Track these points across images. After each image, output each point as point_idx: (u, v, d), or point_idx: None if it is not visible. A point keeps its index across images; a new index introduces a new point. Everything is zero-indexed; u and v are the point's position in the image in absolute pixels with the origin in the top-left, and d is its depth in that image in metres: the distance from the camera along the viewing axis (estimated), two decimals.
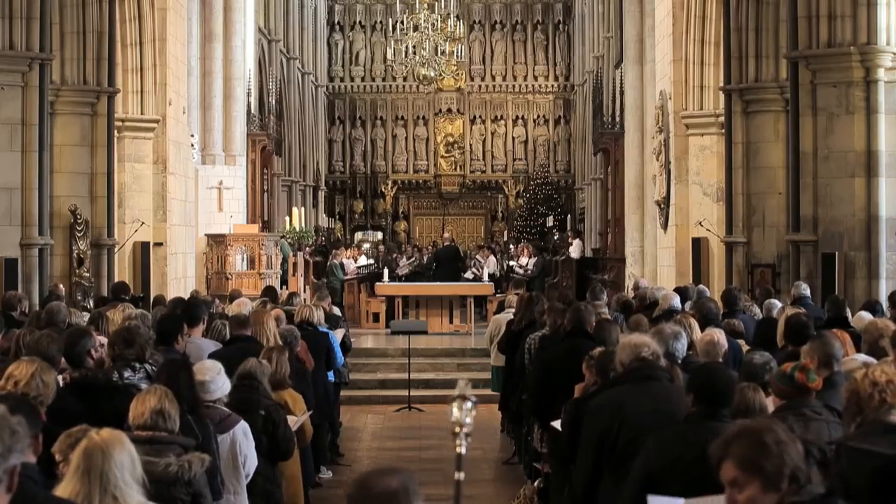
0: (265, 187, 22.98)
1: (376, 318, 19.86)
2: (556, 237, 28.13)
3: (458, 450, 3.18)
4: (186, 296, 11.90)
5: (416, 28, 25.19)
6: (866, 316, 8.20)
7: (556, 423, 6.52)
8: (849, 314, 8.87)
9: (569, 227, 28.29)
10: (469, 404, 3.21)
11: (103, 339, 6.45)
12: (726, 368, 5.44)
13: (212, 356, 6.99)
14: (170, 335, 7.03)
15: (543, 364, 7.58)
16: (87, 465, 3.57)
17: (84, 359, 5.90)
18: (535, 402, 7.67)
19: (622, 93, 21.29)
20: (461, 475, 3.08)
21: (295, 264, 20.10)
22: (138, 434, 4.57)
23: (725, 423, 4.36)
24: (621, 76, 21.70)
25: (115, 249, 14.37)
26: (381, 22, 34.42)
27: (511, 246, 26.96)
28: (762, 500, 2.93)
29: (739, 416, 4.45)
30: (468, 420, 3.22)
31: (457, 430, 3.16)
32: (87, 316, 8.75)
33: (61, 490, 3.58)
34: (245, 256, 17.80)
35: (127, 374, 5.64)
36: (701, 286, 12.12)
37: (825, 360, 5.36)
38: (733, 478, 2.94)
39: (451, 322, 19.35)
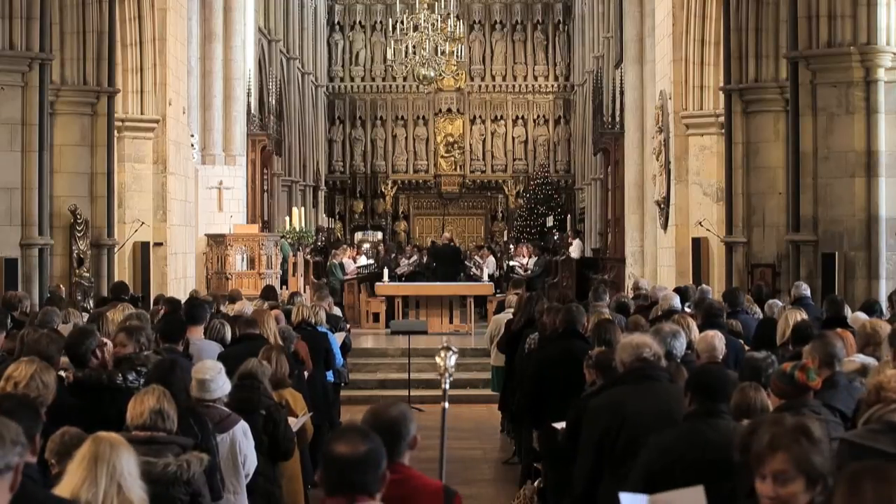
0: (265, 187, 22.99)
1: (376, 318, 19.84)
2: (556, 237, 28.13)
3: (443, 386, 4.54)
4: (185, 296, 11.89)
5: (416, 28, 25.19)
6: (862, 316, 8.20)
7: (557, 424, 6.50)
8: (848, 314, 8.87)
9: (569, 227, 28.28)
10: (452, 355, 4.49)
11: (106, 340, 6.45)
12: (723, 367, 5.44)
13: (221, 356, 7.01)
14: (175, 333, 7.06)
15: (537, 364, 7.59)
16: (95, 454, 3.64)
17: (89, 358, 5.90)
18: (528, 403, 7.66)
19: (622, 93, 21.29)
20: (447, 404, 4.43)
21: (295, 264, 20.10)
22: (136, 434, 4.58)
23: (725, 421, 4.35)
24: (621, 76, 21.70)
25: (115, 249, 14.37)
26: (381, 22, 34.42)
27: (511, 246, 26.96)
28: (801, 498, 2.92)
29: (741, 415, 4.45)
30: (451, 365, 4.50)
31: (442, 372, 4.48)
32: (87, 316, 8.74)
33: (65, 482, 3.63)
34: (245, 256, 17.80)
35: (131, 376, 5.63)
36: (705, 286, 12.11)
37: (827, 360, 5.37)
38: (782, 470, 2.93)
39: (451, 322, 19.35)
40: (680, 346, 6.11)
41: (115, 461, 3.62)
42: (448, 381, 4.66)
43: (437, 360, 4.59)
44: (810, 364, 4.88)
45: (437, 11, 25.20)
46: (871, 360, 5.81)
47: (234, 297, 11.54)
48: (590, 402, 5.40)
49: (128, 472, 3.63)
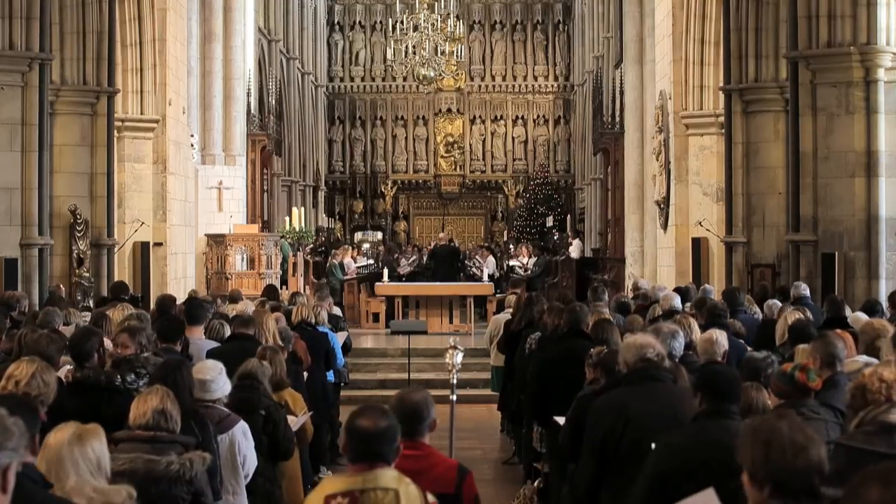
0: (265, 187, 22.99)
1: (376, 318, 19.82)
2: (556, 237, 28.13)
3: (451, 380, 6.02)
4: (185, 296, 11.88)
5: (416, 28, 25.17)
6: (863, 316, 8.18)
7: (559, 418, 6.50)
8: (848, 314, 8.86)
9: (569, 227, 28.28)
10: (458, 353, 5.95)
11: (106, 341, 6.45)
12: (731, 367, 5.43)
13: (210, 353, 6.99)
14: (174, 334, 7.05)
15: (541, 364, 7.58)
16: (40, 459, 3.66)
17: (92, 358, 5.91)
18: (533, 402, 7.67)
19: (622, 93, 21.29)
20: (454, 396, 5.78)
21: (295, 264, 20.09)
22: (140, 434, 4.57)
23: (735, 421, 4.34)
24: (621, 76, 21.70)
25: (115, 249, 14.37)
26: (381, 22, 34.44)
27: (511, 246, 26.96)
28: (750, 492, 2.98)
29: (743, 415, 4.44)
30: (458, 362, 5.90)
31: (450, 369, 5.89)
32: (87, 316, 8.75)
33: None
34: (245, 256, 17.80)
35: (130, 378, 5.63)
36: (707, 286, 12.09)
37: (828, 361, 5.36)
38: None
39: (451, 322, 19.32)
40: (678, 346, 6.10)
41: (58, 463, 3.62)
42: (455, 376, 6.17)
43: (447, 358, 6.00)
44: (811, 365, 4.87)
45: (437, 11, 25.19)
46: (874, 361, 5.79)
47: (234, 298, 11.53)
48: (593, 403, 5.38)
49: (69, 469, 3.62)
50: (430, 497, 3.64)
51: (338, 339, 10.66)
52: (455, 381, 5.49)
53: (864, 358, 5.99)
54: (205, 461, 4.64)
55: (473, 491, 4.11)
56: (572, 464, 5.75)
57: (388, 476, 3.51)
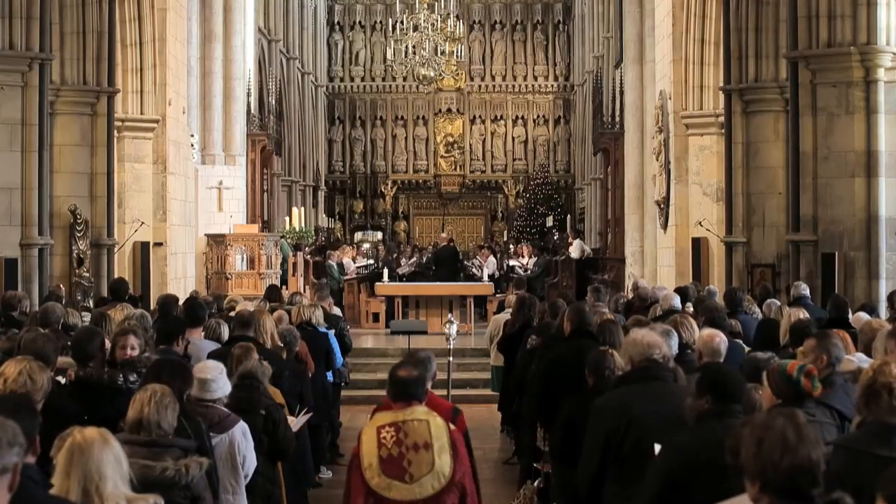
0: (265, 187, 22.98)
1: (376, 318, 19.83)
2: (556, 237, 28.13)
3: (448, 346, 10.79)
4: (185, 296, 11.87)
5: (415, 28, 25.17)
6: (864, 316, 8.17)
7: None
8: (849, 315, 8.84)
9: (569, 227, 28.27)
10: (454, 325, 11.12)
11: (106, 341, 6.45)
12: (733, 367, 5.42)
13: (211, 355, 6.98)
14: (172, 335, 7.04)
15: (548, 363, 7.56)
16: (68, 462, 3.59)
17: (95, 357, 5.91)
18: (538, 402, 7.65)
19: (622, 93, 21.30)
20: (451, 358, 10.77)
21: (295, 264, 20.08)
22: (135, 437, 4.53)
23: (739, 420, 4.33)
24: (621, 76, 21.70)
25: (115, 249, 14.38)
26: (380, 22, 34.45)
27: (511, 246, 26.97)
28: (747, 486, 3.01)
29: (745, 415, 4.43)
30: (454, 332, 10.96)
31: (447, 337, 10.82)
32: (87, 316, 8.74)
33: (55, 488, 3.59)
34: (245, 256, 17.79)
35: (132, 377, 5.63)
36: (712, 287, 12.07)
37: (825, 360, 5.35)
38: None
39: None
40: (673, 346, 6.09)
41: (85, 468, 3.55)
42: (452, 343, 10.37)
43: (444, 329, 9.78)
44: (815, 371, 4.81)
45: (437, 11, 25.18)
46: (868, 360, 5.79)
47: (235, 300, 11.53)
48: (595, 402, 5.37)
49: (97, 476, 3.54)
50: (452, 426, 4.92)
51: (338, 350, 10.63)
52: (452, 346, 8.89)
53: (861, 356, 5.99)
54: (202, 466, 4.60)
55: (464, 426, 5.42)
56: (565, 466, 5.73)
57: (420, 410, 4.84)
